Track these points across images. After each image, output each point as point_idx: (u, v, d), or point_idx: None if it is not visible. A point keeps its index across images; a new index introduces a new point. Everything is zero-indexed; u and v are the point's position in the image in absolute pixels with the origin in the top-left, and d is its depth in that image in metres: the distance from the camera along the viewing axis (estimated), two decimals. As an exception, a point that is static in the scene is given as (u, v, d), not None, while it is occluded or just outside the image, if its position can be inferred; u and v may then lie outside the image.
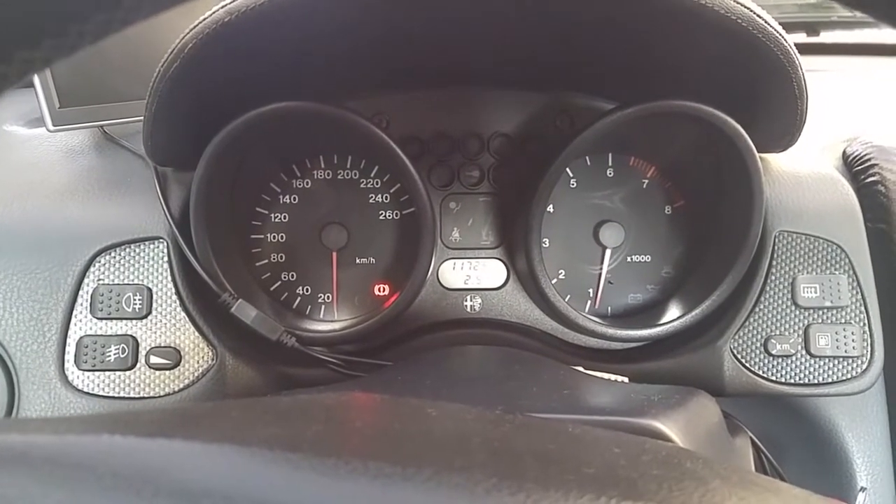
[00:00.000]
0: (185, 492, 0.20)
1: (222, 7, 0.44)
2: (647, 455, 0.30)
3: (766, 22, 0.44)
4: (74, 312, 0.56)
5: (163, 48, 0.47)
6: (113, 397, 0.56)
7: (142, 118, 0.53)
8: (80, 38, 0.20)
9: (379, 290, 0.68)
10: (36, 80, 0.61)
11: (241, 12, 0.43)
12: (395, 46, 0.57)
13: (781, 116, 0.54)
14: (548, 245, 0.67)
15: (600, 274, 0.67)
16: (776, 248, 0.59)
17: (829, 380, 0.58)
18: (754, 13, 0.44)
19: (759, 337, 0.59)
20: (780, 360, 0.58)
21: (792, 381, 0.58)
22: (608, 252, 0.66)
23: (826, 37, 1.05)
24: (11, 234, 0.57)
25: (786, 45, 0.46)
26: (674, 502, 0.23)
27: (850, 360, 0.58)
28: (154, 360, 0.57)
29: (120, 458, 0.21)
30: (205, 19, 0.44)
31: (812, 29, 1.04)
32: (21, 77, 0.21)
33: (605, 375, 0.53)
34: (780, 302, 0.59)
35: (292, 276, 0.67)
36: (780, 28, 0.45)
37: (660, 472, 0.27)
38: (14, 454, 0.20)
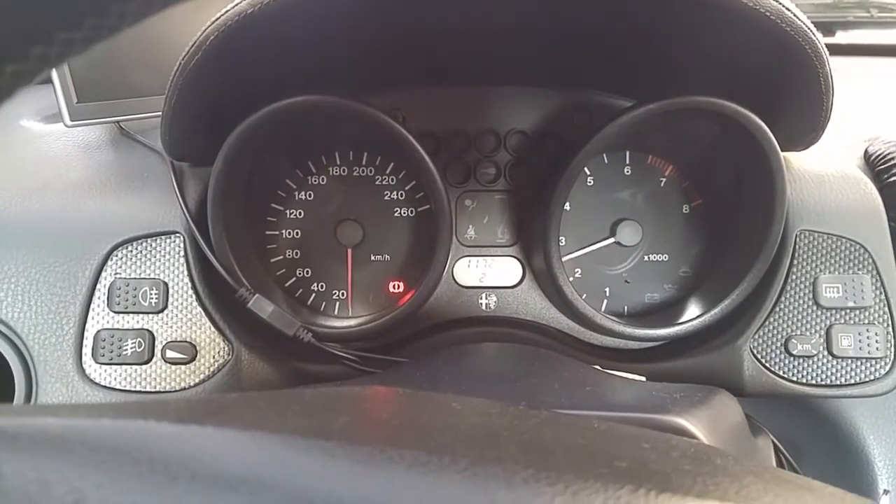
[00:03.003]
0: (221, 478, 0.20)
1: (245, -1, 0.43)
2: (676, 451, 0.30)
3: (794, 15, 0.44)
4: (92, 306, 0.56)
5: (180, 44, 0.47)
6: (129, 391, 0.56)
7: (159, 114, 0.53)
8: (120, 17, 0.19)
9: (394, 287, 0.68)
10: (54, 75, 0.62)
11: (264, 4, 0.43)
12: (414, 42, 0.57)
13: (806, 113, 0.53)
14: (564, 243, 0.67)
15: (585, 248, 0.66)
16: (797, 247, 0.58)
17: (852, 381, 0.57)
18: (783, 6, 0.43)
19: (779, 337, 0.58)
20: (801, 360, 0.58)
21: (813, 381, 0.57)
22: (608, 239, 0.65)
23: (842, 37, 1.04)
24: (30, 229, 0.57)
25: (814, 39, 0.45)
26: (710, 496, 0.23)
27: (873, 362, 0.57)
28: (170, 354, 0.56)
29: (156, 443, 0.21)
30: (227, 11, 0.44)
31: (828, 29, 1.03)
32: (60, 60, 0.21)
33: (623, 374, 0.52)
34: (801, 302, 0.58)
35: (307, 272, 0.67)
36: (808, 22, 0.45)
37: (692, 467, 0.26)
38: (50, 437, 0.20)
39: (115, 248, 0.57)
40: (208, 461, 0.21)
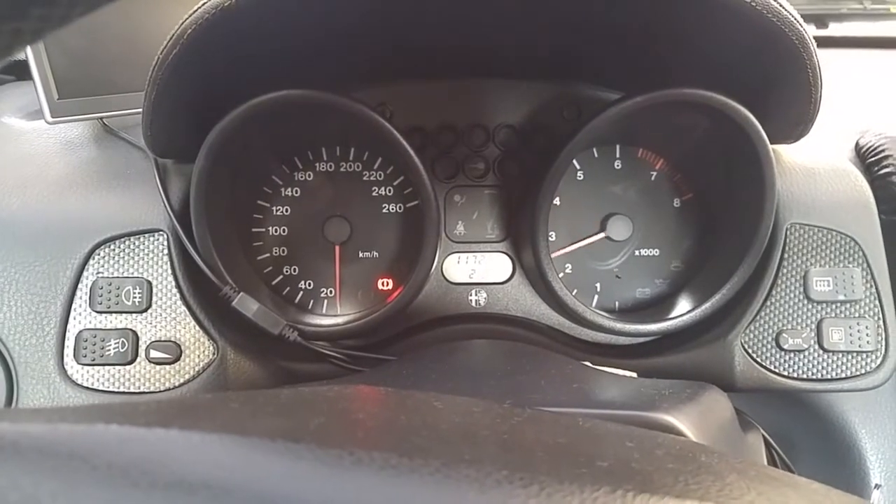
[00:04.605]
0: (183, 483, 0.19)
1: (223, -9, 0.43)
2: (660, 449, 0.29)
3: (781, 5, 0.43)
4: (73, 306, 0.55)
5: (163, 39, 0.46)
6: (113, 392, 0.55)
7: (141, 110, 0.52)
8: (70, 6, 0.19)
9: (382, 284, 0.67)
10: (35, 71, 0.60)
11: (242, -4, 0.42)
12: (400, 35, 0.56)
13: (795, 105, 0.52)
14: (554, 238, 0.66)
15: (576, 243, 0.65)
16: (788, 240, 0.58)
17: (843, 375, 0.57)
18: (769, -4, 0.43)
19: (770, 331, 0.58)
20: (792, 354, 0.57)
21: (804, 376, 0.57)
22: (599, 234, 0.65)
23: (835, 29, 1.04)
24: (9, 227, 0.56)
25: (801, 30, 0.45)
26: (691, 496, 0.22)
27: (864, 355, 0.57)
28: (154, 354, 0.56)
29: (115, 447, 0.20)
30: (205, 3, 0.43)
31: (821, 21, 1.02)
32: (9, 51, 0.20)
33: (613, 371, 0.52)
34: (792, 296, 0.58)
35: (294, 270, 0.67)
36: (795, 12, 0.44)
37: (675, 465, 0.26)
38: (3, 444, 0.19)
39: (97, 246, 0.56)
40: (171, 465, 0.20)
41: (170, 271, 0.56)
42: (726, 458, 0.29)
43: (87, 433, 0.21)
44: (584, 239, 0.65)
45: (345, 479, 0.20)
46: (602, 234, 0.65)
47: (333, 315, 0.66)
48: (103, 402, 0.52)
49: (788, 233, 0.58)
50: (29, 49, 0.60)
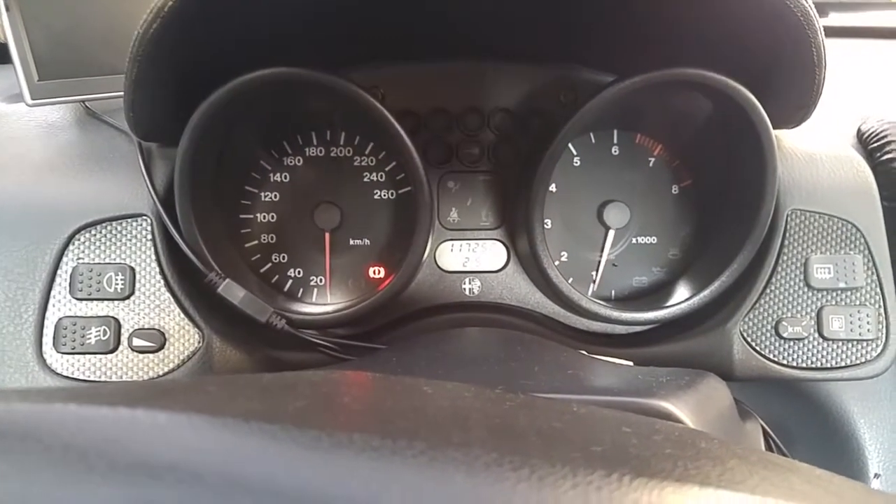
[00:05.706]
0: (145, 465, 0.18)
1: (205, -38, 0.41)
2: (658, 435, 0.28)
3: (785, -20, 0.42)
4: (53, 293, 0.53)
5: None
6: (93, 381, 0.53)
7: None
8: None
9: (373, 272, 0.66)
10: (14, 51, 0.58)
11: (225, -33, 0.40)
12: (393, 14, 0.54)
13: (797, 86, 0.51)
14: (550, 226, 0.65)
15: (600, 259, 0.64)
16: (789, 227, 0.57)
17: (842, 364, 0.56)
18: (773, -30, 0.41)
19: (770, 319, 0.56)
20: (791, 343, 0.56)
21: (804, 364, 0.56)
22: (611, 233, 0.63)
23: (835, 19, 1.03)
24: None
25: (805, 6, 0.43)
26: (691, 481, 0.21)
27: (865, 344, 0.56)
28: (137, 342, 0.54)
29: (72, 428, 0.19)
30: (185, -26, 0.41)
31: (821, 10, 1.01)
32: None
33: (610, 359, 0.50)
34: (792, 283, 0.56)
35: (283, 257, 0.65)
36: (800, -13, 0.43)
37: (674, 451, 0.25)
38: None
39: (78, 231, 0.54)
40: (133, 447, 0.18)
41: (153, 257, 0.55)
42: (727, 444, 0.28)
43: (43, 413, 0.19)
44: (602, 247, 0.64)
45: (322, 462, 0.18)
46: (612, 231, 0.63)
47: (323, 303, 0.65)
48: (71, 385, 0.50)
49: (789, 219, 0.57)
50: (8, 29, 0.58)
